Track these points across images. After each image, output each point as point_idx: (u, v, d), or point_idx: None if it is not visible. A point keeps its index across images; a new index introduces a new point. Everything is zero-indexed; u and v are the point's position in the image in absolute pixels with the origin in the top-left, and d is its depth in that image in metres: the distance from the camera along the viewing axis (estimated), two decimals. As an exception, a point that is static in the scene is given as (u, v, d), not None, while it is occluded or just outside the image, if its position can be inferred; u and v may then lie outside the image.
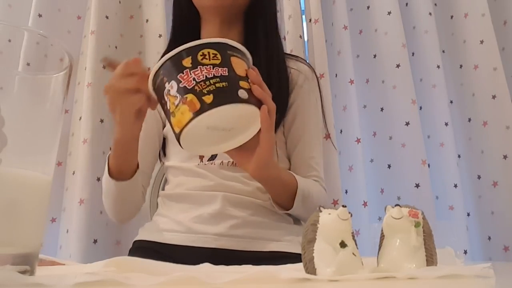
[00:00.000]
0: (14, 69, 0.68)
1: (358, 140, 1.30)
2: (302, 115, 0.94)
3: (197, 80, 0.55)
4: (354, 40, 1.41)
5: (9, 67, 0.42)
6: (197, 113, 0.54)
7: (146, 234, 0.89)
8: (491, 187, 1.33)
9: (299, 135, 0.93)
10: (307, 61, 1.09)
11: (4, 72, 0.38)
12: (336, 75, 1.36)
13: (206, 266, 0.46)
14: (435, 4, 1.47)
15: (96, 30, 1.28)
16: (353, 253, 0.37)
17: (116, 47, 1.34)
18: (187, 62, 0.56)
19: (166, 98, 0.58)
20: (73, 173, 1.23)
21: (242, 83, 0.58)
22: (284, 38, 1.31)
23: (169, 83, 0.57)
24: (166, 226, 0.87)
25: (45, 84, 0.38)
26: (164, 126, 0.98)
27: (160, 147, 0.99)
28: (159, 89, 0.59)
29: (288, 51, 1.28)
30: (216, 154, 0.88)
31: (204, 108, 0.54)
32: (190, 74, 0.55)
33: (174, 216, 0.87)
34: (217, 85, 0.55)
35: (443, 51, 1.44)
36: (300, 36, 1.34)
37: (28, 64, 1.03)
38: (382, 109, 1.38)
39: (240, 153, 0.69)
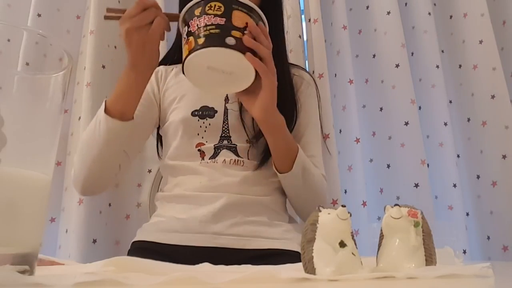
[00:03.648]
0: (13, 69, 0.68)
1: (357, 140, 1.30)
2: (303, 116, 0.95)
3: (199, 26, 0.67)
4: (354, 40, 1.41)
5: (8, 67, 0.42)
6: (191, 51, 0.67)
7: (144, 234, 0.89)
8: (490, 187, 1.33)
9: (301, 134, 0.94)
10: (306, 61, 1.10)
11: (3, 72, 0.38)
12: (335, 75, 1.36)
13: (205, 266, 0.46)
14: (434, 4, 1.48)
15: (95, 30, 1.28)
16: (352, 253, 0.37)
17: (115, 47, 1.34)
18: (197, 11, 0.69)
19: (182, 39, 0.71)
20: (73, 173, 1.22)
21: (234, 33, 0.68)
22: (284, 38, 1.31)
23: (184, 28, 0.71)
24: (165, 226, 0.86)
25: (44, 84, 0.38)
26: (158, 117, 0.97)
27: (150, 134, 0.98)
28: (182, 32, 0.71)
29: (287, 51, 1.28)
30: (219, 152, 0.89)
31: (196, 47, 0.67)
32: (196, 20, 0.68)
33: (173, 216, 0.86)
34: (211, 31, 0.67)
35: (442, 51, 1.44)
36: (300, 36, 1.34)
37: (27, 64, 1.03)
38: (381, 109, 1.38)
39: (247, 96, 0.77)
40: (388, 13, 1.39)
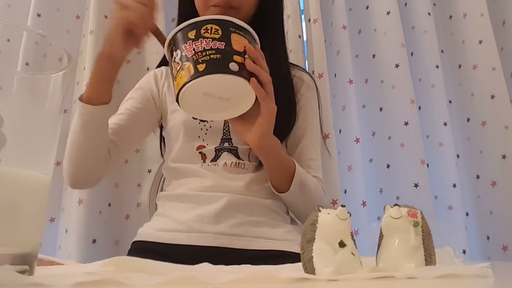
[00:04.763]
0: (13, 69, 0.68)
1: (357, 140, 1.30)
2: (303, 119, 0.95)
3: (196, 51, 0.63)
4: (353, 40, 1.41)
5: (8, 67, 0.42)
6: (191, 79, 0.62)
7: (145, 234, 0.89)
8: (489, 187, 1.33)
9: (300, 137, 0.94)
10: (306, 61, 1.10)
11: (3, 71, 0.38)
12: (335, 75, 1.36)
13: (205, 266, 0.46)
14: (434, 4, 1.48)
15: (95, 30, 1.28)
16: (352, 253, 0.37)
17: (115, 46, 1.34)
18: (191, 34, 0.64)
19: (172, 64, 0.66)
20: (72, 173, 1.22)
21: (236, 57, 0.64)
22: (283, 38, 1.31)
23: (175, 52, 0.65)
24: (166, 225, 0.86)
25: (44, 84, 0.38)
26: (160, 121, 0.98)
27: (148, 132, 0.99)
28: (170, 56, 0.67)
29: (287, 51, 1.28)
30: (220, 155, 0.89)
31: (196, 74, 0.62)
32: (192, 44, 0.63)
33: (175, 216, 0.86)
34: (212, 56, 0.62)
35: (442, 51, 1.45)
36: (299, 36, 1.34)
37: (27, 64, 1.03)
38: (381, 109, 1.38)
39: (242, 122, 0.75)
40: (388, 13, 1.39)
